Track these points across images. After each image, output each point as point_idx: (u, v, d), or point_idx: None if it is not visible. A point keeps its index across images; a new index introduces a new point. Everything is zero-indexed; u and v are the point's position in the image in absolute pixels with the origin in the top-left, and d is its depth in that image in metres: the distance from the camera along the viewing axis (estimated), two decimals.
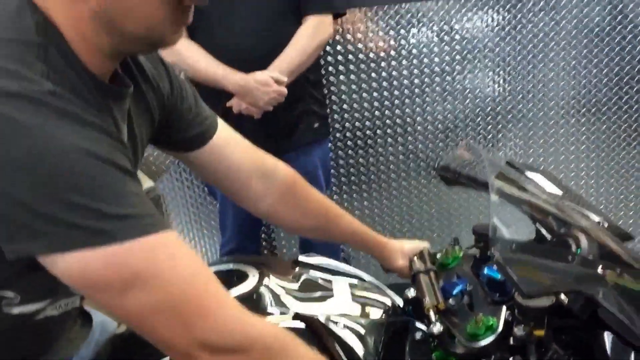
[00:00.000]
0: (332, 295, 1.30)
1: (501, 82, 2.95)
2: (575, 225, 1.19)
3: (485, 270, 1.21)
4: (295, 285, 1.31)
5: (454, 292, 1.25)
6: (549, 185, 1.32)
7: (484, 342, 1.12)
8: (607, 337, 1.12)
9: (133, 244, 0.81)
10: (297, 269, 1.36)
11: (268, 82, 2.23)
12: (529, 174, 1.36)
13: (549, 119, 3.00)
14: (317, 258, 1.36)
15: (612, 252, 1.19)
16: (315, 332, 1.15)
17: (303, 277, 1.35)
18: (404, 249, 1.50)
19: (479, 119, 2.99)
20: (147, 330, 0.87)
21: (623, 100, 2.97)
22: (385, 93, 2.92)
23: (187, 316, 0.85)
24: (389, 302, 1.33)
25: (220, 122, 1.28)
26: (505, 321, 1.13)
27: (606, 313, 1.07)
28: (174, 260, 0.85)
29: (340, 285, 1.32)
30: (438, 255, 1.42)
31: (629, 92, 2.95)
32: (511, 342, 1.11)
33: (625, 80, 2.92)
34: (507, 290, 1.19)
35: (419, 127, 2.99)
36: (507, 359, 1.09)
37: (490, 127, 3.00)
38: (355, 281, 1.34)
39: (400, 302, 1.33)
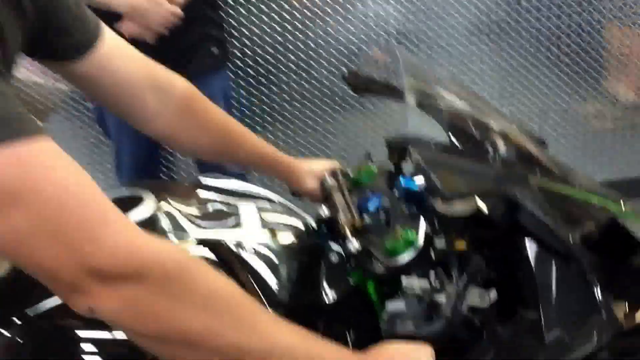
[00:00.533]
0: (239, 220, 1.19)
1: (404, 2, 2.86)
2: (493, 129, 1.13)
3: (402, 182, 1.13)
4: (197, 211, 1.19)
5: (370, 208, 1.17)
6: (461, 91, 1.25)
7: (405, 258, 1.05)
8: (529, 243, 1.07)
9: None
10: (199, 193, 1.23)
11: (159, 1, 2.05)
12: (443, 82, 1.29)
13: (453, 40, 2.96)
14: (221, 180, 1.24)
15: (531, 157, 1.14)
16: (222, 259, 1.05)
17: (206, 201, 1.23)
18: (313, 169, 1.40)
19: (382, 41, 2.90)
20: (25, 258, 0.73)
21: (524, 19, 2.96)
22: (287, 16, 2.77)
23: (70, 238, 0.71)
24: (301, 225, 1.24)
25: (108, 30, 1.12)
26: (426, 235, 1.07)
27: (528, 217, 1.03)
28: (52, 171, 0.72)
29: (248, 209, 1.21)
30: (350, 173, 1.33)
31: (530, 10, 2.95)
32: (432, 255, 1.05)
33: None
34: (426, 202, 1.13)
35: (323, 53, 2.88)
36: (428, 272, 1.03)
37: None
38: (264, 204, 1.24)
39: (313, 223, 1.23)
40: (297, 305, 1.07)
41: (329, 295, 1.12)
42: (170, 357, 0.81)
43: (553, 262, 1.04)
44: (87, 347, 1.02)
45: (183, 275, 0.78)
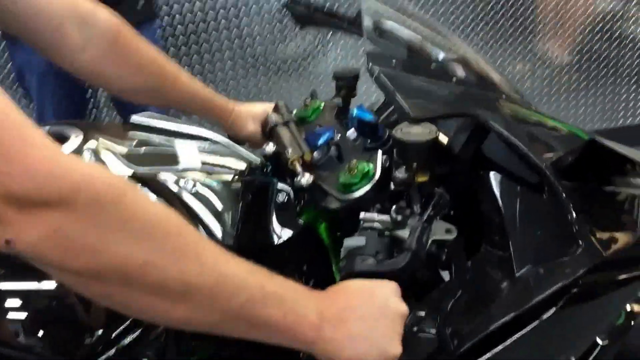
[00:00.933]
0: (176, 161, 1.07)
1: None
2: (454, 53, 1.04)
3: (355, 112, 1.04)
4: (130, 151, 1.07)
5: (320, 142, 1.07)
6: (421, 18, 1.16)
7: (361, 192, 0.96)
8: (494, 177, 1.00)
9: None
10: (131, 133, 1.11)
11: None
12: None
13: None
14: (156, 120, 1.12)
15: (494, 84, 1.06)
16: (159, 196, 0.93)
17: (139, 142, 1.10)
18: (253, 111, 1.30)
19: None
20: None
21: None
22: None
23: None
24: (243, 165, 1.13)
25: None
26: (383, 167, 0.98)
27: (496, 143, 0.96)
28: None
29: (186, 149, 1.09)
30: (295, 111, 1.23)
31: None
32: (392, 187, 0.96)
33: None
34: (381, 134, 1.04)
35: (253, 6, 2.75)
36: (388, 209, 0.94)
37: None
38: (204, 144, 1.12)
39: (258, 163, 1.13)
40: (244, 249, 0.97)
41: (279, 235, 1.02)
42: (105, 296, 0.70)
43: (521, 193, 0.98)
44: (11, 302, 0.89)
45: (118, 201, 0.66)
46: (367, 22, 0.95)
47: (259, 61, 2.84)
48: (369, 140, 1.05)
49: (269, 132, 1.15)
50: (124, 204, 0.66)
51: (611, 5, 3.27)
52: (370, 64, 0.85)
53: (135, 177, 0.95)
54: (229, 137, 1.31)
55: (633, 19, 3.33)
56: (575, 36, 3.37)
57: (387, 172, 0.97)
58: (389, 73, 0.85)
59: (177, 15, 2.67)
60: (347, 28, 1.27)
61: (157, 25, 2.52)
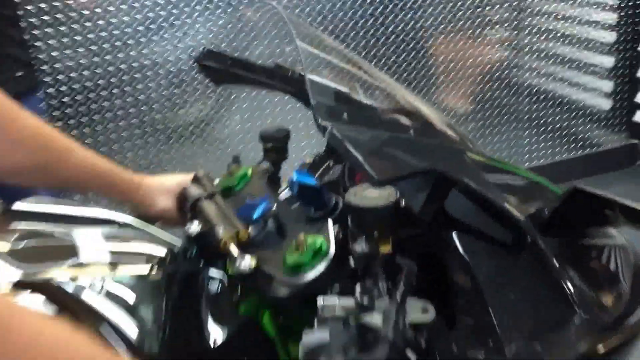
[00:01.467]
0: (75, 254, 0.86)
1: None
2: (398, 101, 0.90)
3: (295, 177, 0.87)
4: (11, 245, 0.84)
5: (255, 215, 0.89)
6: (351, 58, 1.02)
7: (314, 272, 0.78)
8: (458, 236, 0.86)
9: None
10: (14, 223, 0.89)
11: None
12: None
13: None
14: (44, 203, 0.90)
15: (449, 133, 0.93)
16: (56, 304, 0.72)
17: (26, 232, 0.88)
18: (166, 185, 1.11)
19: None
20: None
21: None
22: (103, 43, 2.44)
23: None
24: (164, 252, 0.93)
25: None
26: (337, 239, 0.81)
27: (455, 208, 0.81)
28: None
29: (86, 238, 0.88)
30: (217, 180, 1.05)
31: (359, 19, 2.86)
32: (351, 264, 0.79)
33: None
34: (326, 200, 0.87)
35: (148, 73, 2.55)
36: (352, 290, 0.76)
37: None
38: (110, 229, 0.91)
39: (180, 246, 0.93)
40: (174, 356, 0.76)
41: (215, 335, 0.82)
42: None
43: (493, 253, 0.84)
44: None
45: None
46: (306, 65, 0.80)
47: (158, 128, 2.63)
48: (312, 209, 0.88)
49: (190, 208, 0.95)
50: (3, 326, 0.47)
51: (504, 55, 3.32)
52: (320, 119, 0.69)
53: (20, 283, 0.73)
54: (137, 216, 1.11)
55: (525, 67, 3.39)
56: (472, 85, 3.39)
57: (342, 245, 0.80)
58: (343, 129, 0.70)
59: (62, 86, 2.43)
60: (266, 82, 1.11)
61: (42, 95, 2.28)
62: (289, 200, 0.90)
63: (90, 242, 0.87)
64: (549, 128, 3.44)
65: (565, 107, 3.45)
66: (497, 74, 3.32)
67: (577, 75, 3.42)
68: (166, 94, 2.60)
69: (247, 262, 0.79)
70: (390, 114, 0.90)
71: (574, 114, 3.47)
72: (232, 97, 2.72)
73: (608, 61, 3.37)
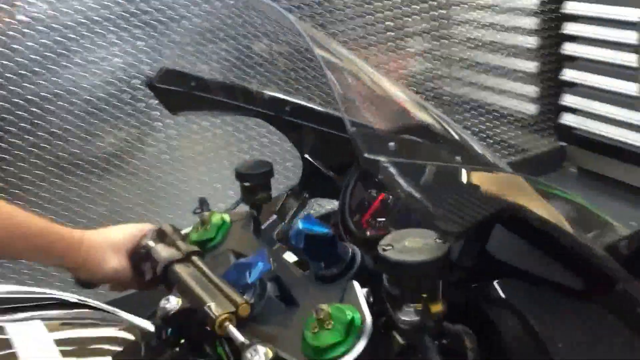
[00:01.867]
0: (10, 348, 0.63)
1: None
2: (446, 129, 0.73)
3: (300, 225, 0.67)
4: None
5: (250, 279, 0.68)
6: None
7: (353, 356, 0.59)
8: (499, 285, 0.70)
9: None
10: None
11: None
12: None
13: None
14: None
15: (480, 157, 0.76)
16: None
17: None
18: (112, 238, 0.89)
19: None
20: None
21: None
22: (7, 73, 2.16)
23: None
24: (130, 335, 0.71)
25: None
26: (371, 305, 0.62)
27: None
28: None
29: (25, 327, 0.65)
30: (186, 231, 0.83)
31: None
32: (399, 339, 0.60)
33: None
34: (342, 253, 0.69)
35: (60, 103, 2.28)
36: None
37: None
38: (56, 312, 0.68)
39: (151, 328, 0.70)
40: None
41: None
42: None
43: (556, 302, 0.68)
44: None
45: None
46: (329, 74, 0.61)
47: (76, 163, 2.35)
48: (322, 264, 0.68)
49: (161, 276, 0.73)
50: None
51: (427, 66, 3.24)
52: (366, 153, 0.51)
53: None
54: (79, 283, 0.89)
55: (450, 76, 3.33)
56: None
57: (378, 314, 0.61)
58: (397, 165, 0.51)
59: None
60: (234, 105, 0.91)
61: None
62: (295, 254, 0.71)
63: (28, 334, 0.65)
64: (478, 136, 3.38)
65: (493, 115, 3.41)
66: (421, 85, 3.24)
67: (502, 82, 3.40)
68: (84, 125, 2.33)
69: (264, 352, 0.58)
70: (432, 142, 0.72)
71: (501, 120, 3.43)
72: (154, 122, 2.47)
73: (532, 66, 3.35)
